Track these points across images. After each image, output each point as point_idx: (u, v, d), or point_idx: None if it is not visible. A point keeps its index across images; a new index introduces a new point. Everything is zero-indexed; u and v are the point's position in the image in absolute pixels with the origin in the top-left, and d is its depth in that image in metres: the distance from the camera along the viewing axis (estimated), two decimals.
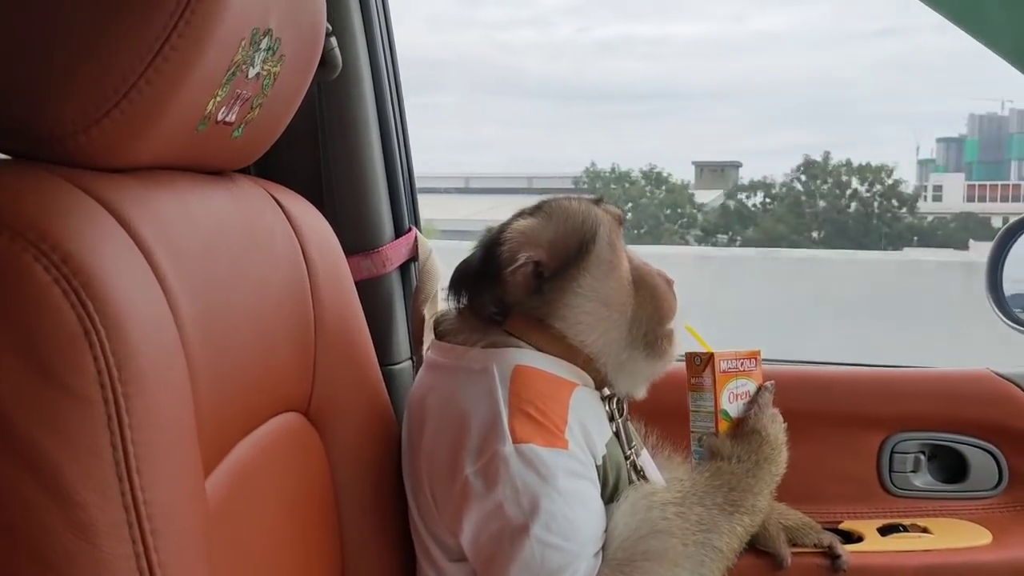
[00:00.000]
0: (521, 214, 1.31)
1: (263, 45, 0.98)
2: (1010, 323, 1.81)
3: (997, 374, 1.78)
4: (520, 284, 1.24)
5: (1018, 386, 1.76)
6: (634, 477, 1.30)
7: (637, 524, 1.17)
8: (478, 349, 1.24)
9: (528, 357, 1.22)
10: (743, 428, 1.33)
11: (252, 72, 0.99)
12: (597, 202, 1.33)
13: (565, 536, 1.12)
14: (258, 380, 1.06)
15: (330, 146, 1.58)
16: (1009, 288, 1.84)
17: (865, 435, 1.78)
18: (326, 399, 1.23)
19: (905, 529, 1.73)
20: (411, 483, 1.27)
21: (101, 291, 0.73)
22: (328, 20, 1.27)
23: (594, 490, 1.18)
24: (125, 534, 0.72)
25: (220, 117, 0.98)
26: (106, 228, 0.79)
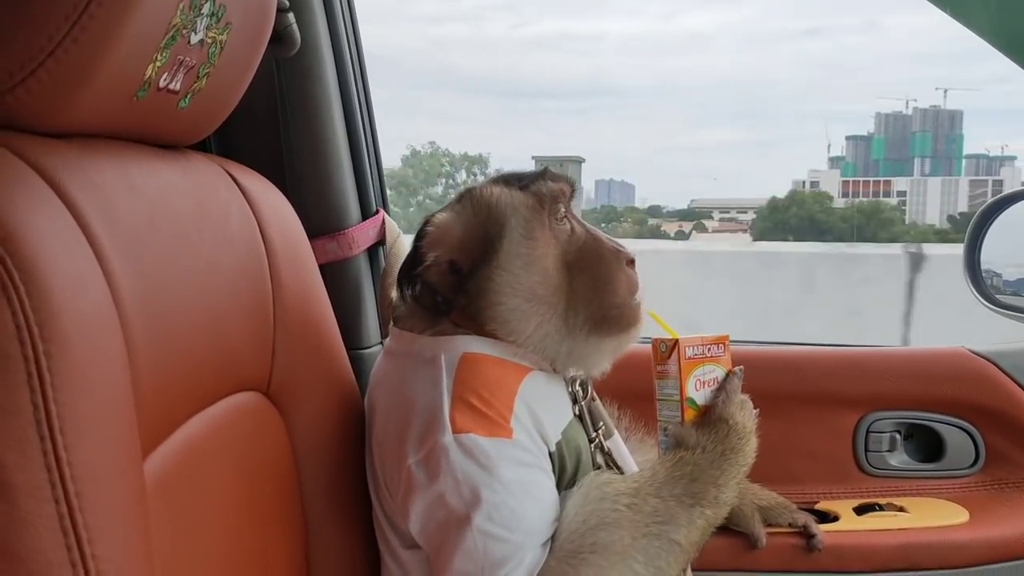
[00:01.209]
0: (448, 204, 1.28)
1: (205, 10, 0.96)
2: (988, 304, 1.80)
3: (972, 351, 1.77)
4: (439, 283, 1.22)
5: (994, 363, 1.75)
6: (600, 461, 1.28)
7: (587, 515, 1.13)
8: (427, 336, 1.22)
9: (477, 344, 1.20)
10: (710, 416, 1.27)
11: (195, 38, 0.97)
12: (536, 178, 1.27)
13: (508, 527, 1.09)
14: (209, 357, 1.04)
15: (291, 125, 1.56)
16: (1014, 273, 1.84)
17: (840, 415, 1.77)
18: (287, 380, 1.22)
19: (881, 508, 1.72)
20: (370, 469, 1.26)
21: (21, 246, 0.71)
22: None
23: (543, 478, 1.15)
24: (47, 494, 0.70)
25: (162, 84, 0.96)
26: (32, 187, 0.78)
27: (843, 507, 1.71)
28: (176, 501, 0.93)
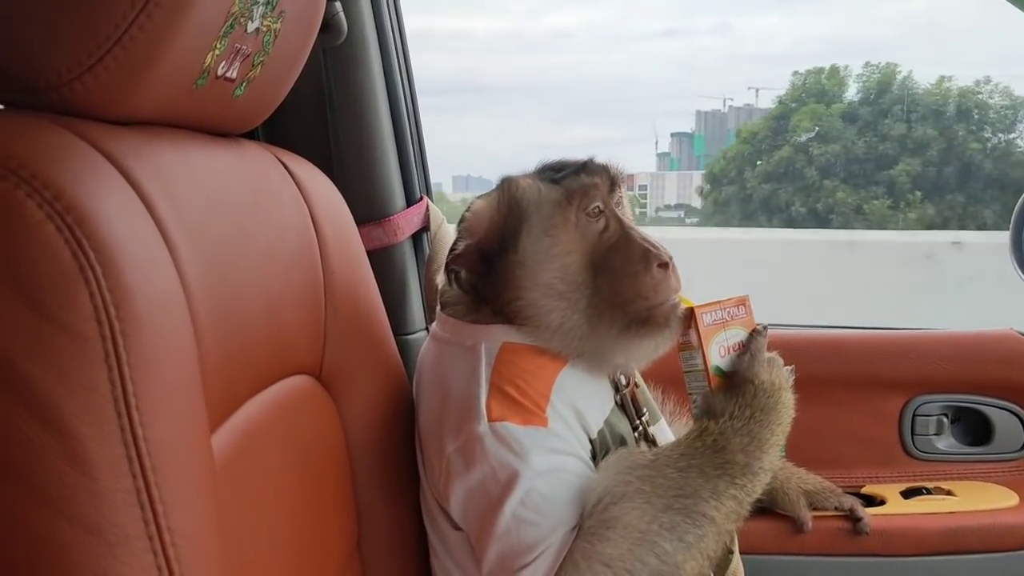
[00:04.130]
0: (488, 191, 1.28)
1: None
2: None
3: (1021, 333, 1.75)
4: (469, 270, 1.23)
5: None
6: (645, 448, 1.27)
7: (602, 491, 1.12)
8: (468, 323, 1.24)
9: (517, 333, 1.21)
10: (735, 380, 1.22)
11: (251, 26, 0.99)
12: (572, 171, 1.25)
13: (540, 512, 1.10)
14: (266, 340, 1.06)
15: (337, 114, 1.58)
16: None
17: (886, 398, 1.76)
18: (338, 364, 1.23)
19: (929, 492, 1.71)
20: (419, 452, 1.28)
21: (96, 229, 0.73)
22: None
23: (578, 465, 1.15)
24: (124, 468, 0.72)
25: (220, 72, 0.98)
26: (102, 171, 0.80)
27: (890, 491, 1.70)
28: (238, 478, 0.95)
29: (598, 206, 1.24)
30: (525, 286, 1.20)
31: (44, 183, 0.72)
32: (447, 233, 1.70)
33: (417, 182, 1.72)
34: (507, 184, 1.26)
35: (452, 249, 1.25)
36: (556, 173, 1.26)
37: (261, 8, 0.99)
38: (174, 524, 0.75)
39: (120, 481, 0.72)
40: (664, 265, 1.21)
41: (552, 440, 1.14)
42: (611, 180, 1.26)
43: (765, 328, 1.25)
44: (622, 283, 1.20)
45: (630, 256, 1.21)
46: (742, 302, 1.26)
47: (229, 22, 0.93)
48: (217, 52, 0.95)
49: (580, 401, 1.19)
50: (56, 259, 0.71)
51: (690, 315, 1.23)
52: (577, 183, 1.23)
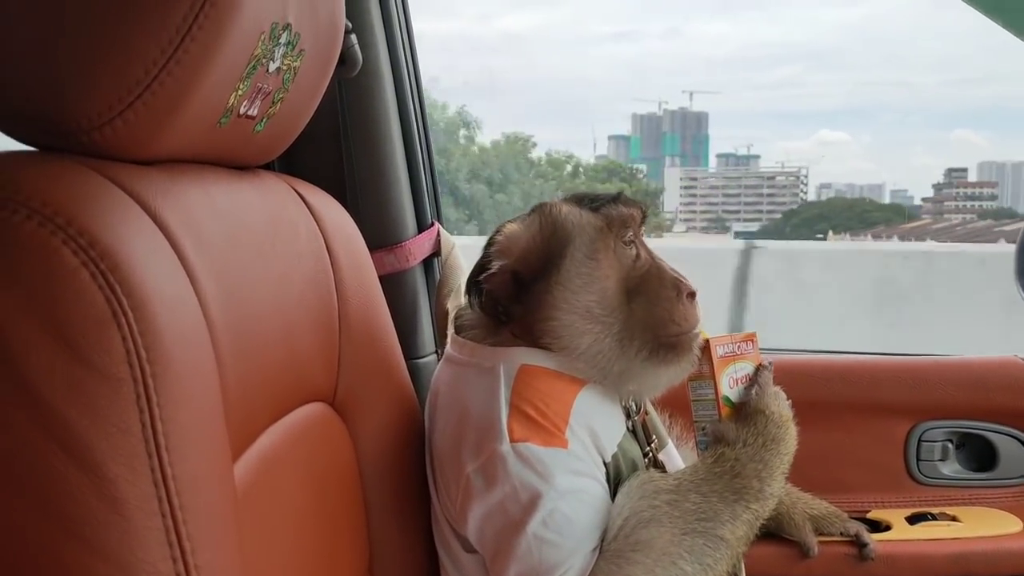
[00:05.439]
0: (520, 216, 1.31)
1: (283, 39, 1.00)
2: None
3: None
4: (499, 291, 1.25)
5: None
6: (655, 473, 1.29)
7: (629, 514, 1.15)
8: (487, 346, 1.26)
9: (535, 356, 1.23)
10: (746, 410, 1.28)
11: (272, 66, 1.01)
12: (609, 201, 1.29)
13: (562, 533, 1.12)
14: (284, 369, 1.08)
15: (352, 142, 1.61)
16: None
17: (892, 424, 1.78)
18: (351, 390, 1.25)
19: (934, 518, 1.72)
20: (431, 475, 1.29)
21: (128, 274, 0.75)
22: (348, 18, 1.30)
23: (597, 488, 1.18)
24: (155, 508, 0.74)
25: (242, 111, 1.00)
26: (132, 215, 0.82)
27: (895, 516, 1.71)
28: (256, 507, 0.97)
29: (631, 235, 1.28)
30: (562, 307, 1.22)
31: (79, 230, 0.74)
32: (457, 258, 1.72)
33: (429, 208, 1.74)
34: (548, 208, 1.29)
35: (483, 269, 1.27)
36: (592, 202, 1.30)
37: (282, 49, 1.01)
38: (201, 560, 0.77)
39: (151, 520, 0.74)
40: (692, 295, 1.26)
41: (573, 462, 1.16)
42: (643, 213, 1.31)
43: (770, 364, 1.32)
44: (656, 309, 1.24)
45: (664, 283, 1.26)
46: (750, 338, 1.32)
47: (252, 64, 0.96)
48: (240, 92, 0.97)
49: (596, 424, 1.21)
50: (91, 304, 0.73)
51: (705, 346, 1.28)
52: (616, 212, 1.28)
